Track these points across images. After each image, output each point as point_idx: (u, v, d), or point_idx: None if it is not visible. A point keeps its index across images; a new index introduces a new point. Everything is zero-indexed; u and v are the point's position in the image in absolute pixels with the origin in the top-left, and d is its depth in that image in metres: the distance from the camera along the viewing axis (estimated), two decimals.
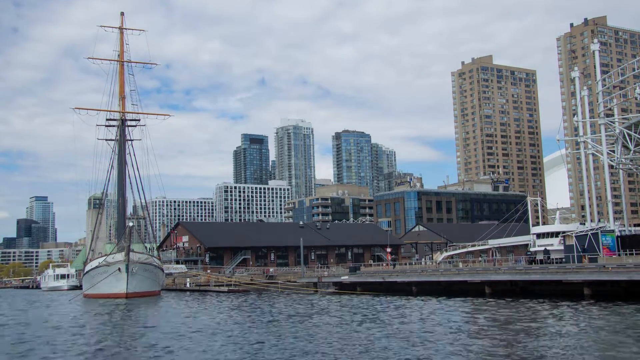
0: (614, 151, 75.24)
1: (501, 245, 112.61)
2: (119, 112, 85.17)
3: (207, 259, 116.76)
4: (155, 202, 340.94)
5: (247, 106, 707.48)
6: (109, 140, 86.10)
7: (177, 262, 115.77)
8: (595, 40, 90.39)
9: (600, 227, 71.96)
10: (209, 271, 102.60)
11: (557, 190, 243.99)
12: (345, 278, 72.47)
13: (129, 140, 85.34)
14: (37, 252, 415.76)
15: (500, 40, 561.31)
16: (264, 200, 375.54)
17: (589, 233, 66.05)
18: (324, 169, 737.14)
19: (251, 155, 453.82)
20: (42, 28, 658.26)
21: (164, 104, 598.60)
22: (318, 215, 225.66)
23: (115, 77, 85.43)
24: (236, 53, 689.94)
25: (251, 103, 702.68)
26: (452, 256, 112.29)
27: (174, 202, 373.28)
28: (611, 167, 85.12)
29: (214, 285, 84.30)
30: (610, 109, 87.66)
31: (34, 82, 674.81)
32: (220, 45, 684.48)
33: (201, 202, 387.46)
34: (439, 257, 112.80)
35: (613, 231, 68.49)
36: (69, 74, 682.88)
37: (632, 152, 70.14)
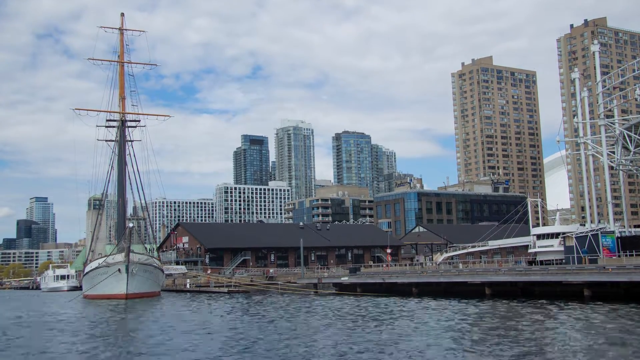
0: (614, 152, 75.22)
1: (501, 246, 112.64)
2: (119, 112, 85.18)
3: (207, 260, 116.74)
4: (155, 203, 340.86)
5: (243, 99, 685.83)
6: (109, 140, 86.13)
7: (177, 263, 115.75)
8: (595, 42, 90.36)
9: (600, 228, 71.97)
10: (209, 272, 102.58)
11: (557, 192, 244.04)
12: (345, 279, 72.43)
13: (129, 141, 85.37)
14: (37, 252, 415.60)
15: (513, 19, 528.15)
16: (264, 201, 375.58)
17: (589, 234, 66.05)
18: (324, 167, 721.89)
19: (251, 156, 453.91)
20: (17, 3, 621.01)
21: (153, 93, 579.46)
22: (318, 216, 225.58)
23: (116, 77, 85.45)
24: (227, 32, 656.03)
25: (247, 93, 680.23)
26: (452, 257, 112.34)
27: (174, 202, 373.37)
28: (611, 168, 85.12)
29: (214, 286, 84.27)
30: (610, 110, 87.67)
31: (12, 65, 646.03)
32: (208, 22, 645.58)
33: (201, 203, 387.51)
34: (439, 258, 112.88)
35: (613, 232, 68.47)
36: (47, 57, 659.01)
37: (632, 153, 70.11)
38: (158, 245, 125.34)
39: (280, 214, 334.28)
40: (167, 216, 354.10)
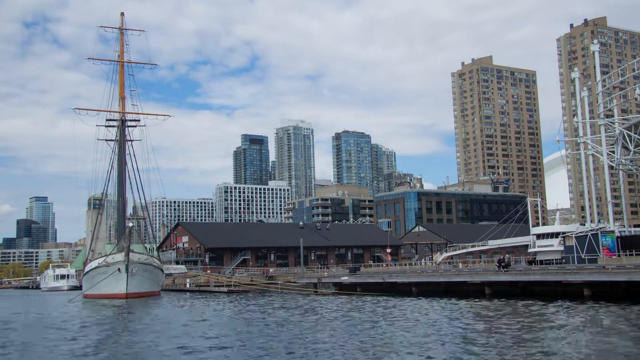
0: (613, 152, 75.26)
1: (501, 245, 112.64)
2: (119, 112, 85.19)
3: (207, 260, 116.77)
4: (155, 203, 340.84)
5: (242, 93, 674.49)
6: (109, 140, 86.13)
7: (177, 263, 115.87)
8: (595, 41, 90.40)
9: (600, 228, 71.99)
10: (208, 272, 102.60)
11: (557, 191, 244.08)
12: (345, 279, 72.42)
13: (129, 140, 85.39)
14: (37, 252, 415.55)
15: (519, 6, 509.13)
16: (264, 201, 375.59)
17: (589, 234, 66.07)
18: (324, 164, 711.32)
19: (251, 156, 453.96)
20: None
21: (148, 85, 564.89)
22: (318, 215, 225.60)
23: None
24: (222, 19, 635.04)
25: (246, 86, 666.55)
26: (452, 257, 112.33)
27: (174, 202, 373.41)
28: (611, 167, 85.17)
29: (214, 286, 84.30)
30: (610, 110, 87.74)
31: (0, 55, 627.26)
32: (202, 8, 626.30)
33: (201, 203, 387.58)
34: (439, 257, 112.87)
35: (613, 232, 68.51)
36: (36, 46, 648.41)
37: (632, 152, 70.16)
38: (158, 244, 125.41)
39: (280, 213, 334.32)
40: (167, 216, 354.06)
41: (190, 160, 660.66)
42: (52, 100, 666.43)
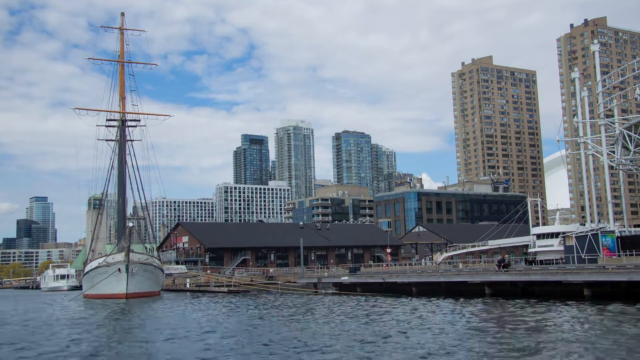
0: (614, 152, 75.25)
1: (501, 245, 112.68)
2: (119, 112, 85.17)
3: (207, 260, 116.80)
4: (155, 203, 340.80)
5: (240, 87, 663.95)
6: (109, 140, 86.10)
7: (177, 263, 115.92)
8: (595, 41, 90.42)
9: (600, 228, 71.99)
10: (208, 272, 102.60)
11: (557, 191, 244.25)
12: (345, 279, 72.40)
13: (129, 140, 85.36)
14: (37, 252, 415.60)
15: None
16: (264, 201, 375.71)
17: (589, 234, 66.07)
18: (324, 162, 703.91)
19: (251, 156, 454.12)
20: None
21: (142, 77, 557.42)
22: (318, 215, 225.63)
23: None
24: (216, 5, 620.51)
25: (244, 82, 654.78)
26: (452, 257, 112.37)
27: (174, 202, 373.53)
28: (611, 167, 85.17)
29: (214, 286, 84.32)
30: (610, 110, 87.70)
31: None
32: None
33: (201, 203, 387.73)
34: (439, 257, 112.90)
35: (613, 232, 68.52)
36: (22, 35, 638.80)
37: (632, 152, 70.15)
38: (158, 244, 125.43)
39: (280, 213, 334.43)
40: (167, 216, 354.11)
41: (189, 157, 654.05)
42: (42, 93, 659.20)
